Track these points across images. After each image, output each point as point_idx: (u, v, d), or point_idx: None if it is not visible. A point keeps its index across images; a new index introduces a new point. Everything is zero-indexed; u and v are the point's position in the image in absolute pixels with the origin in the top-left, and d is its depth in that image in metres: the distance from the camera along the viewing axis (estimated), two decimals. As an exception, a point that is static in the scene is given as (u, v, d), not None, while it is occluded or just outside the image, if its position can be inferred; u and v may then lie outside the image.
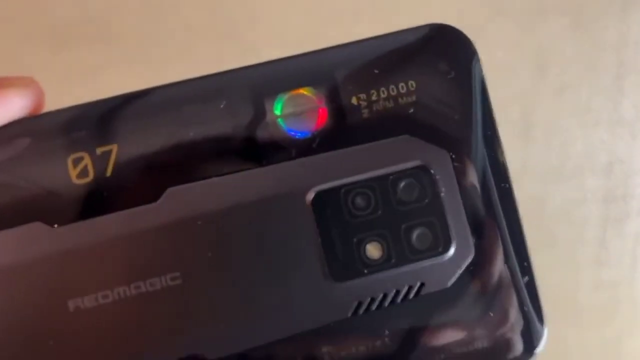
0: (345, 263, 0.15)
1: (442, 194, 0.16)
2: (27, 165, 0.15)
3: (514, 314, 0.16)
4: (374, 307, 0.15)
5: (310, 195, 0.15)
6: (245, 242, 0.15)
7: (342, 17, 0.38)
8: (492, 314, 0.16)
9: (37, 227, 0.15)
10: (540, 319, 0.16)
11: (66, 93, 0.39)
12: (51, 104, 0.39)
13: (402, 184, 0.16)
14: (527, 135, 0.41)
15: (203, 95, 0.16)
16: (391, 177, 0.16)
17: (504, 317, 0.16)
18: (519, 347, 0.16)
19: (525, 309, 0.16)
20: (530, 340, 0.16)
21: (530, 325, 0.16)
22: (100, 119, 0.15)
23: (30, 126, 0.15)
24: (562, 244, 0.43)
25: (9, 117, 0.15)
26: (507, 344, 0.16)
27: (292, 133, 0.16)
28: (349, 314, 0.15)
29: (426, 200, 0.16)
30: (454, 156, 0.16)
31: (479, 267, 0.16)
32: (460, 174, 0.16)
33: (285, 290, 0.15)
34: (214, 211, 0.15)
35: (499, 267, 0.16)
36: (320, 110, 0.16)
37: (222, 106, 0.15)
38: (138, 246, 0.15)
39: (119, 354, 0.15)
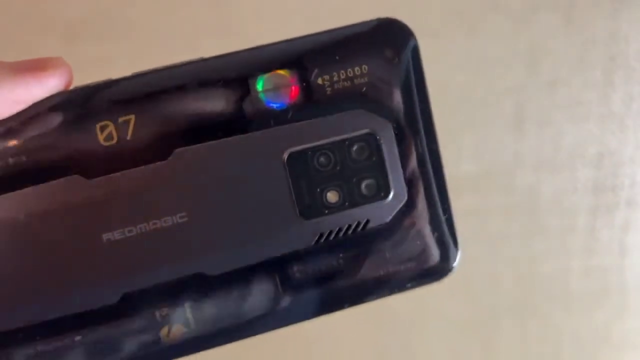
0: (311, 205, 0.20)
1: (385, 154, 0.20)
2: (64, 131, 0.19)
3: (436, 241, 0.21)
4: (332, 237, 0.20)
5: (285, 155, 0.20)
6: (236, 190, 0.19)
7: (344, 14, 0.40)
8: (419, 242, 0.21)
9: (76, 179, 0.19)
10: (456, 245, 0.21)
11: (78, 84, 0.40)
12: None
13: (355, 147, 0.20)
14: (520, 128, 0.42)
15: (202, 75, 0.19)
16: (347, 141, 0.20)
17: (428, 243, 0.21)
18: (440, 263, 0.21)
19: (444, 238, 0.21)
20: (448, 259, 0.21)
21: (448, 249, 0.21)
22: (121, 95, 0.19)
23: (65, 100, 0.19)
24: (554, 232, 0.44)
25: (47, 93, 0.18)
26: (430, 261, 0.21)
27: (271, 105, 0.20)
28: (313, 243, 0.20)
29: (373, 159, 0.20)
30: (395, 125, 0.20)
31: (410, 208, 0.21)
32: (399, 139, 0.20)
33: (266, 224, 0.20)
34: (212, 166, 0.19)
35: (424, 208, 0.21)
36: (293, 87, 0.20)
37: (217, 84, 0.19)
38: (154, 193, 0.19)
39: (141, 273, 0.19)
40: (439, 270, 0.21)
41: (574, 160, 0.43)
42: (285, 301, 0.20)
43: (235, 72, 0.19)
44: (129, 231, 0.19)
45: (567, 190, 0.43)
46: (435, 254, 0.21)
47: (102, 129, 0.19)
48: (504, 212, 0.44)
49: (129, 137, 0.19)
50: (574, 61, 0.41)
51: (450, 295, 0.46)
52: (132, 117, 0.19)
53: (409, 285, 0.21)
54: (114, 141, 0.19)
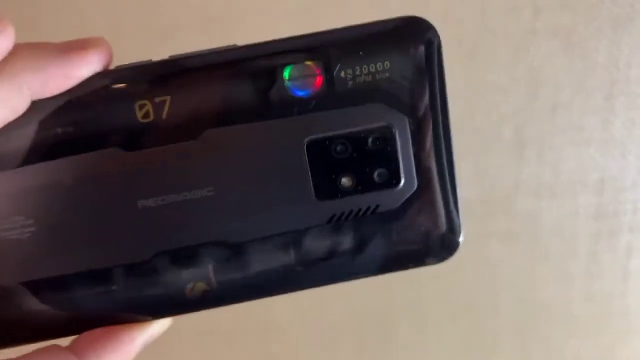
0: (326, 189, 0.22)
1: (398, 147, 0.22)
2: (107, 107, 0.21)
3: (440, 229, 0.23)
4: (343, 218, 0.22)
5: (305, 142, 0.22)
6: (259, 171, 0.22)
7: (331, 3, 0.39)
8: (424, 228, 0.23)
9: (115, 151, 0.21)
10: (459, 232, 0.23)
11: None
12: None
13: (371, 138, 0.22)
14: (521, 153, 0.42)
15: (234, 62, 0.21)
16: (364, 133, 0.22)
17: (433, 227, 0.23)
18: (442, 246, 0.23)
19: (449, 224, 0.23)
20: (451, 244, 0.23)
21: (452, 235, 0.23)
22: (158, 76, 0.21)
23: (109, 78, 0.21)
24: (555, 257, 0.44)
25: (90, 72, 0.20)
26: (433, 244, 0.23)
27: (296, 93, 0.21)
28: (326, 222, 0.22)
29: (387, 150, 0.22)
30: (410, 120, 0.22)
31: (419, 196, 0.23)
32: (414, 133, 0.22)
33: (285, 203, 0.22)
34: (239, 148, 0.21)
35: (433, 195, 0.23)
36: (318, 78, 0.21)
37: (247, 71, 0.21)
38: (185, 168, 0.21)
39: (170, 238, 0.22)
40: (441, 252, 0.23)
41: (575, 185, 0.42)
42: (298, 270, 0.23)
43: (265, 60, 0.21)
44: (162, 200, 0.21)
45: (569, 215, 0.43)
46: (439, 237, 0.23)
47: (141, 107, 0.21)
48: (504, 237, 0.43)
49: (164, 116, 0.21)
50: (574, 86, 0.40)
51: (451, 320, 0.45)
52: (168, 98, 0.21)
53: (411, 264, 0.23)
54: (151, 119, 0.21)
